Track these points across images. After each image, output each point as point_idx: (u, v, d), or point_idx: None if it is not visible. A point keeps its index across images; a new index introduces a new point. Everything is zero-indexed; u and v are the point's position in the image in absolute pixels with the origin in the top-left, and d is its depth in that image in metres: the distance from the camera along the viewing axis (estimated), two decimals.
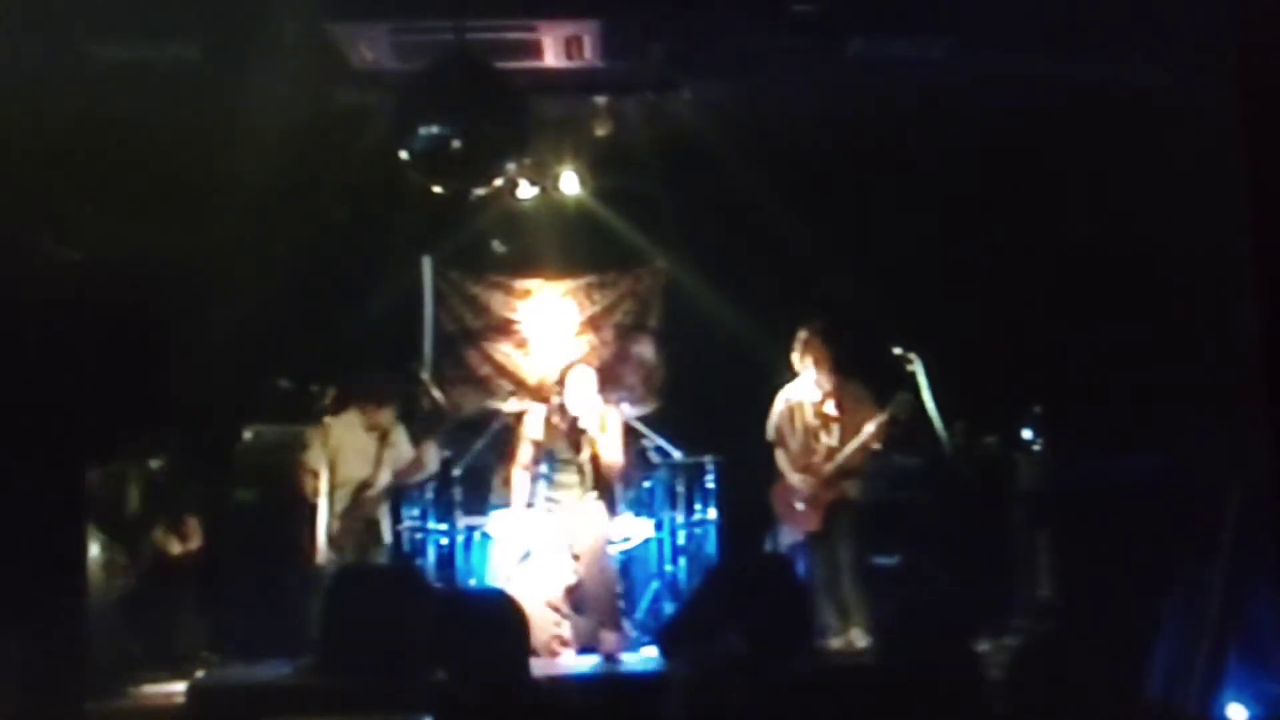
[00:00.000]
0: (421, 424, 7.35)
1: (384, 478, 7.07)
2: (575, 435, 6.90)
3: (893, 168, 7.55)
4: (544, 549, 6.92)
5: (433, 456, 7.24)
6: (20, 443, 5.90)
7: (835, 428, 7.01)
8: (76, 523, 6.53)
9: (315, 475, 6.88)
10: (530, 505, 6.99)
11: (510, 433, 7.89)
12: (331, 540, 6.79)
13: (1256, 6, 4.49)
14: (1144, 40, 5.70)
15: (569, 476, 6.95)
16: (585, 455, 6.87)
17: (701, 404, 7.98)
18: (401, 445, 7.17)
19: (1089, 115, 6.25)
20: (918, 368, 6.83)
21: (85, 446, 6.68)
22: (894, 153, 7.43)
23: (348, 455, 6.97)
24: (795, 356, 7.09)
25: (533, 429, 7.04)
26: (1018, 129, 6.74)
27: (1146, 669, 5.49)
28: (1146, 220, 5.97)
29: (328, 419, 7.04)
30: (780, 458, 7.14)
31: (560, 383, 7.13)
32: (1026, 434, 7.68)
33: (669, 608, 7.45)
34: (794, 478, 7.05)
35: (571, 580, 6.89)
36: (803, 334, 7.05)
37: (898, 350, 6.89)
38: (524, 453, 7.01)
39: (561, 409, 6.99)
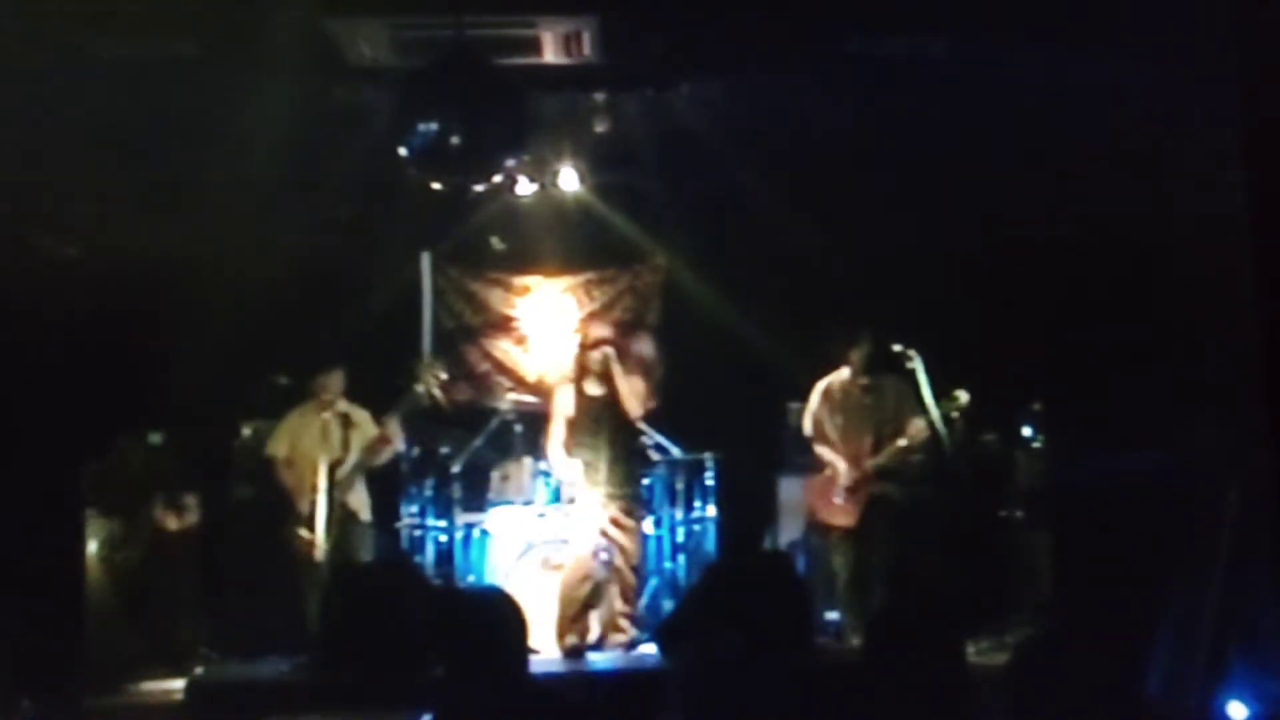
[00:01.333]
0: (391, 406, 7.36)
1: (353, 458, 7.08)
2: (598, 375, 6.96)
3: (891, 164, 7.54)
4: (566, 539, 6.94)
5: (397, 432, 7.23)
6: (16, 440, 5.90)
7: (875, 423, 6.98)
8: (75, 520, 6.54)
9: (290, 465, 6.94)
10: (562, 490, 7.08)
11: (508, 429, 7.93)
12: (311, 526, 6.81)
13: (1256, 5, 4.49)
14: (1143, 38, 5.70)
15: (600, 430, 6.97)
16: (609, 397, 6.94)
17: (701, 401, 7.98)
18: (366, 425, 7.19)
19: (1087, 113, 6.25)
20: (917, 364, 6.83)
21: (82, 444, 6.70)
22: (892, 149, 7.43)
23: (314, 441, 6.99)
24: (840, 350, 7.05)
25: (563, 407, 7.06)
26: (1016, 127, 6.73)
27: (1146, 666, 5.49)
28: (1146, 218, 5.96)
29: (293, 412, 7.12)
30: (822, 451, 7.10)
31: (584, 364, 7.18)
32: (1026, 431, 7.69)
33: (668, 605, 7.45)
34: (842, 468, 7.01)
35: (601, 570, 6.91)
36: (843, 327, 7.03)
37: (898, 347, 6.89)
38: (556, 432, 7.06)
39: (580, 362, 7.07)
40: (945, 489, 7.34)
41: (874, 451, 6.96)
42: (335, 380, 7.16)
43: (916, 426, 6.85)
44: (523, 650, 3.58)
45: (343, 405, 7.16)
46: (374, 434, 7.16)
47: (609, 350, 6.96)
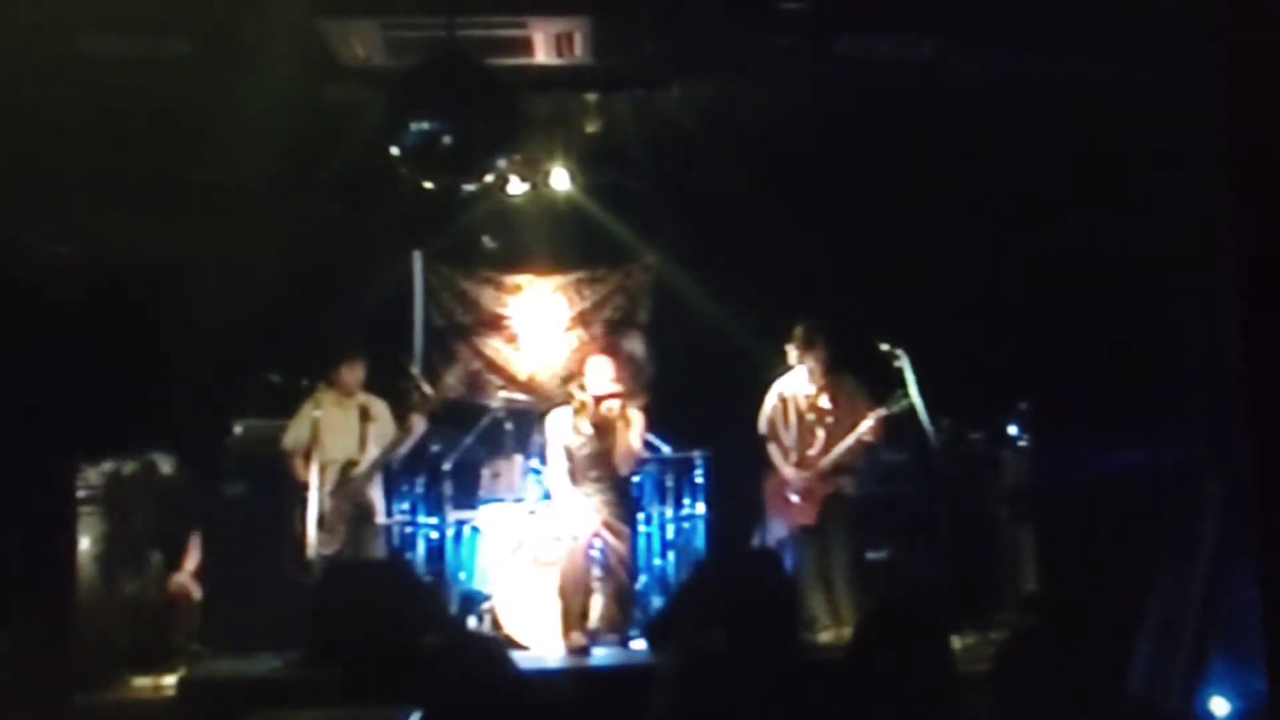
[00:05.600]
0: (405, 400, 7.34)
1: (370, 454, 7.07)
2: (601, 426, 6.93)
3: (880, 164, 7.59)
4: (569, 538, 6.95)
5: (419, 425, 7.19)
6: (8, 436, 5.91)
7: (830, 422, 7.05)
8: (67, 518, 6.55)
9: (305, 460, 6.87)
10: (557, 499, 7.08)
11: (499, 427, 7.95)
12: (321, 523, 6.70)
13: (1239, 6, 4.53)
14: (1130, 39, 5.74)
15: (593, 470, 6.97)
16: (607, 446, 6.91)
17: (690, 399, 8.01)
18: (385, 419, 7.19)
19: (1074, 112, 6.29)
20: (905, 364, 6.88)
21: (75, 442, 6.71)
22: (881, 150, 7.47)
23: (331, 436, 6.95)
24: (790, 350, 7.13)
25: (559, 430, 7.03)
26: (1004, 127, 6.78)
27: (1130, 662, 5.54)
28: (1131, 218, 6.01)
29: (308, 404, 7.05)
30: (773, 451, 7.18)
31: (577, 374, 7.13)
32: (1012, 430, 7.74)
33: (657, 602, 7.49)
34: (788, 471, 7.09)
35: (595, 569, 6.94)
36: (799, 328, 7.10)
37: (885, 346, 6.94)
38: (553, 454, 7.06)
39: (584, 403, 6.98)
40: (926, 486, 7.40)
41: (826, 450, 7.02)
42: (356, 372, 7.14)
43: (868, 422, 6.91)
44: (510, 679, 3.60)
45: (362, 398, 7.17)
46: (394, 430, 7.14)
47: (614, 405, 6.91)
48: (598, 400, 6.93)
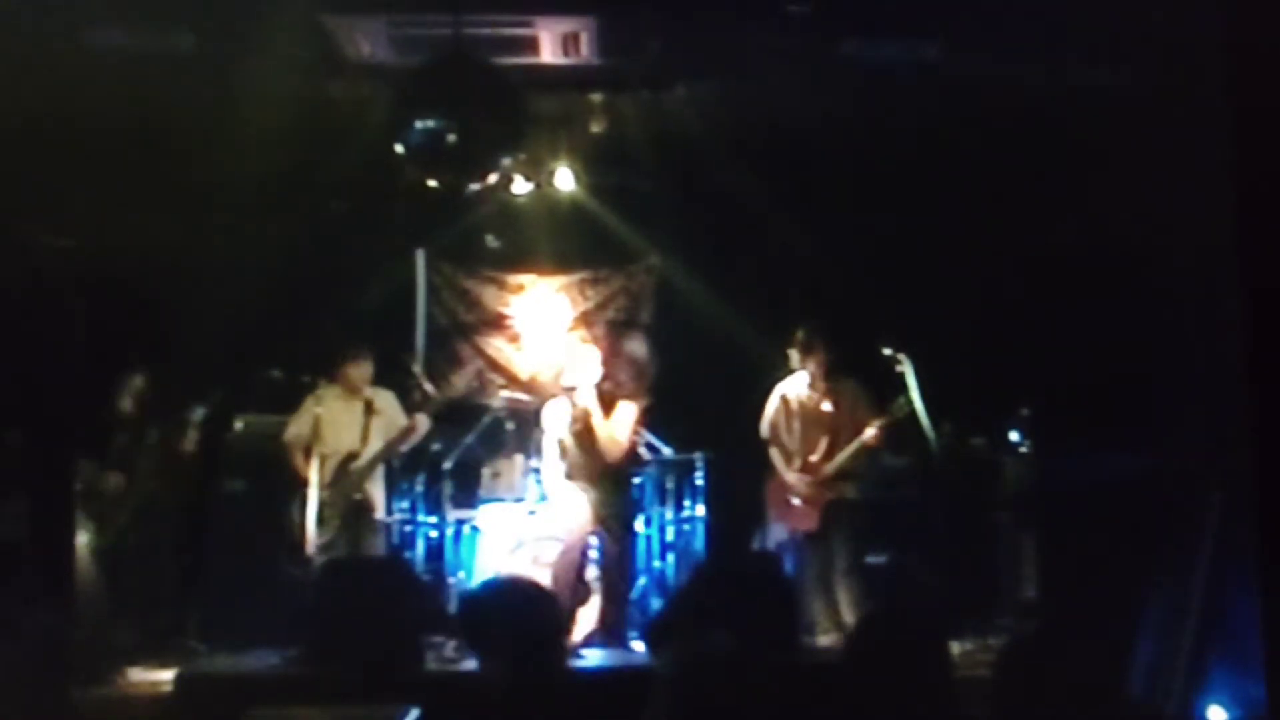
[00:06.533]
0: (407, 398, 7.35)
1: (373, 448, 7.07)
2: (585, 420, 6.90)
3: (883, 167, 7.59)
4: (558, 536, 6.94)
5: (423, 424, 7.20)
6: (7, 432, 5.91)
7: (832, 427, 7.05)
8: (65, 513, 6.54)
9: (305, 452, 6.86)
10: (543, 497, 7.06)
11: (500, 426, 7.95)
12: (320, 518, 6.66)
13: (1245, 10, 4.53)
14: (1133, 42, 5.75)
15: (580, 463, 6.95)
16: (594, 439, 6.88)
17: (692, 401, 8.01)
18: (390, 413, 7.19)
19: (1077, 117, 6.29)
20: (907, 368, 6.88)
21: (74, 438, 6.71)
22: (885, 152, 7.47)
23: (333, 429, 6.95)
24: (792, 354, 7.12)
25: (554, 424, 7.02)
26: (1007, 130, 6.78)
27: (1128, 669, 5.54)
28: (1133, 223, 6.00)
29: (310, 399, 7.05)
30: (775, 455, 7.18)
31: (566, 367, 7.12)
32: (1014, 436, 7.74)
33: (656, 603, 7.48)
34: (790, 476, 7.09)
35: (589, 569, 6.94)
36: (800, 333, 7.09)
37: (888, 350, 6.93)
38: (547, 448, 7.04)
39: (573, 395, 6.95)
40: (927, 491, 7.40)
41: (829, 456, 7.01)
42: (361, 369, 7.14)
43: (872, 429, 6.90)
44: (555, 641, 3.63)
45: (368, 392, 7.16)
46: (401, 424, 7.15)
47: (584, 394, 6.87)
48: (568, 391, 6.91)
